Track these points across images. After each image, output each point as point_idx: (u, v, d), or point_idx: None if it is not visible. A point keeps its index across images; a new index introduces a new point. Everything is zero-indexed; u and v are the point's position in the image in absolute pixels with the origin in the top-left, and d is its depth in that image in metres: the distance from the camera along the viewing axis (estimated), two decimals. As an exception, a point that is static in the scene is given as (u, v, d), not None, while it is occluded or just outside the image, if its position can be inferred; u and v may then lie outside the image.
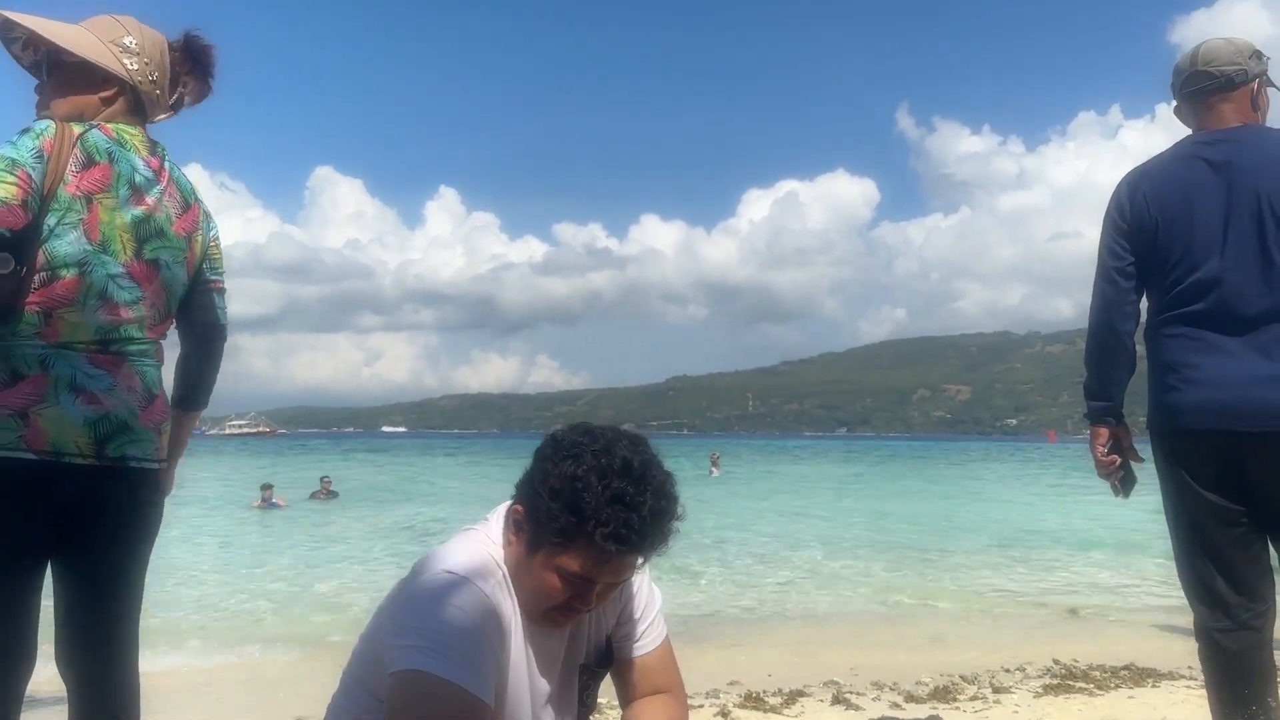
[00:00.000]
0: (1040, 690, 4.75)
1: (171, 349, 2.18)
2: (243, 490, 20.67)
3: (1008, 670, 5.36)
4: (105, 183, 1.96)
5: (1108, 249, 2.72)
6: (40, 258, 1.89)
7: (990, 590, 9.53)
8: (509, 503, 1.77)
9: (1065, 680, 4.97)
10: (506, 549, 1.73)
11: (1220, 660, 2.55)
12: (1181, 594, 2.68)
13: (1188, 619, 2.68)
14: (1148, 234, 2.65)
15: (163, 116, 2.15)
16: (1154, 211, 2.64)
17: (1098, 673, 5.16)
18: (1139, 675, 5.10)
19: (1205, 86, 2.65)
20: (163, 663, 5.71)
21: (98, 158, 1.96)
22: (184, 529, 13.24)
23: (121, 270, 1.98)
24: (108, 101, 2.05)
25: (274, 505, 17.82)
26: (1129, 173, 2.76)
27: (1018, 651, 6.00)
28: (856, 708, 4.44)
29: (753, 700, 4.54)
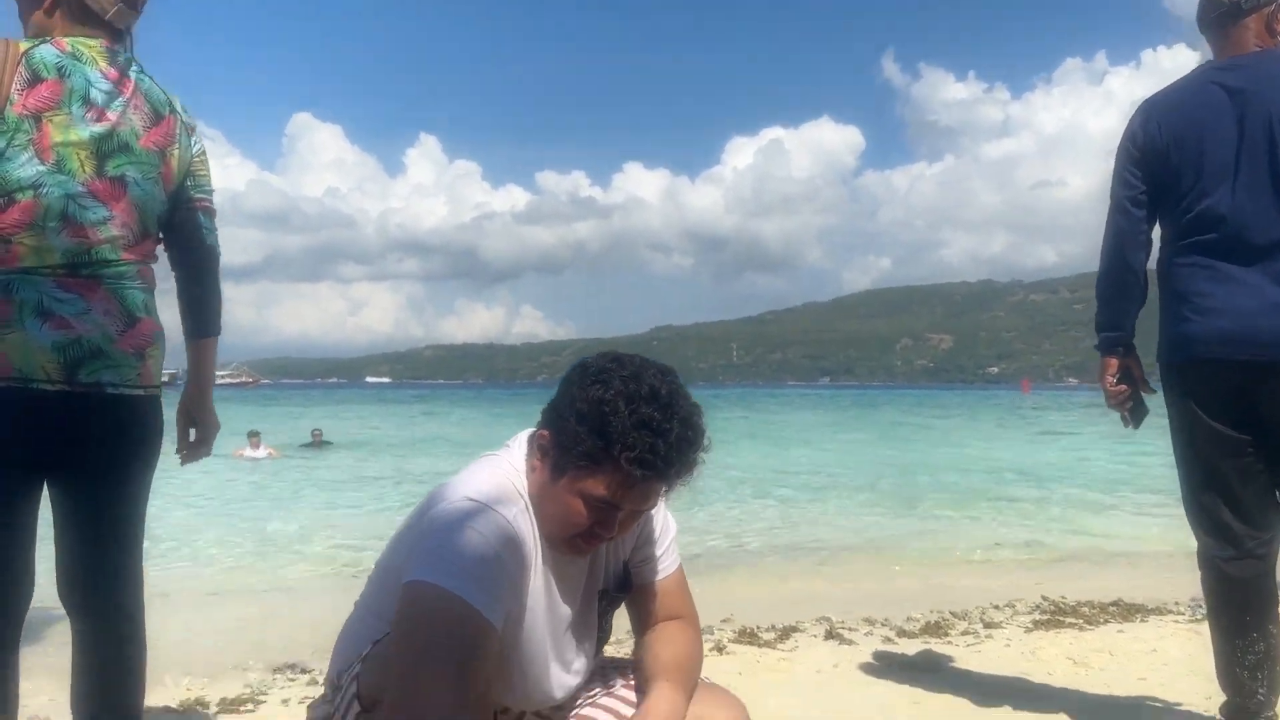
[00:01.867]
0: (1030, 625, 4.80)
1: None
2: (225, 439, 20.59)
3: (997, 607, 5.41)
4: (54, 99, 1.88)
5: (1120, 178, 2.68)
6: None
7: (976, 531, 9.66)
8: (531, 430, 1.76)
9: (1055, 615, 5.02)
10: (530, 475, 1.71)
11: (1224, 588, 2.56)
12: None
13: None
14: (1160, 162, 2.61)
15: (128, 17, 2.02)
16: (1166, 139, 2.60)
17: (1086, 608, 5.22)
18: (1127, 610, 5.16)
19: (1216, 15, 2.62)
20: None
21: (44, 74, 1.87)
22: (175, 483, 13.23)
23: (82, 189, 1.90)
24: (48, 12, 1.95)
25: (259, 457, 17.74)
26: (1144, 101, 2.72)
27: (1005, 590, 6.05)
28: (850, 642, 4.48)
29: (747, 635, 4.57)
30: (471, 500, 1.61)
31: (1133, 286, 2.69)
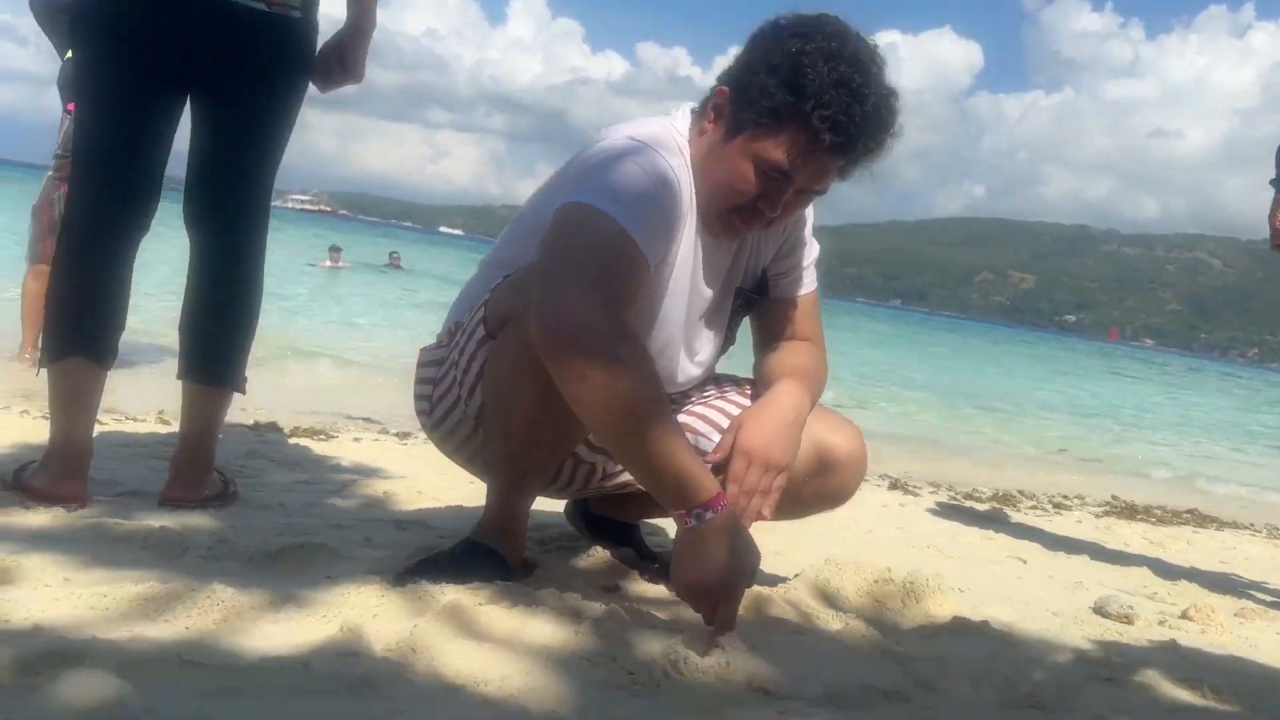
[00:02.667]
0: (1101, 514, 4.68)
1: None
2: (307, 253, 21.01)
3: (1065, 497, 5.29)
4: None
5: None
6: None
7: (1053, 439, 9.50)
8: (691, 104, 1.64)
9: (1126, 512, 4.88)
10: (696, 140, 1.59)
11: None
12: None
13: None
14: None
15: None
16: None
17: (1159, 510, 5.08)
18: (1201, 519, 5.00)
19: None
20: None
21: None
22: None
23: None
24: None
25: (340, 267, 18.16)
26: None
27: (1075, 487, 5.93)
28: (915, 494, 4.40)
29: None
30: (635, 140, 1.51)
31: None
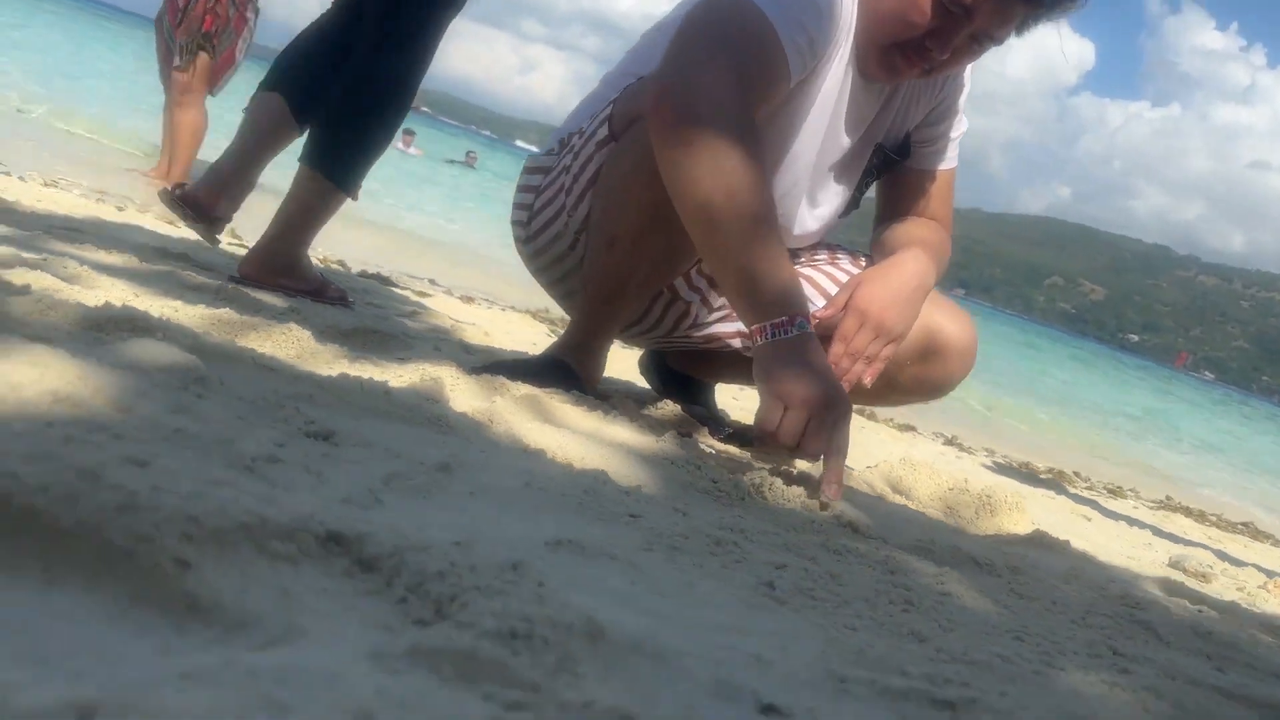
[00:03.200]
0: (1155, 507, 4.53)
1: None
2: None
3: (1119, 487, 5.13)
4: None
5: None
6: None
7: (1101, 440, 9.25)
8: None
9: (1180, 510, 4.72)
10: None
11: None
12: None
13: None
14: None
15: None
16: None
17: (1214, 517, 4.90)
18: (1257, 534, 4.82)
19: None
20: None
21: None
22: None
23: None
24: None
25: (411, 153, 18.13)
26: None
27: (1127, 481, 5.75)
28: (969, 452, 4.29)
29: (865, 412, 4.40)
30: None
31: None
